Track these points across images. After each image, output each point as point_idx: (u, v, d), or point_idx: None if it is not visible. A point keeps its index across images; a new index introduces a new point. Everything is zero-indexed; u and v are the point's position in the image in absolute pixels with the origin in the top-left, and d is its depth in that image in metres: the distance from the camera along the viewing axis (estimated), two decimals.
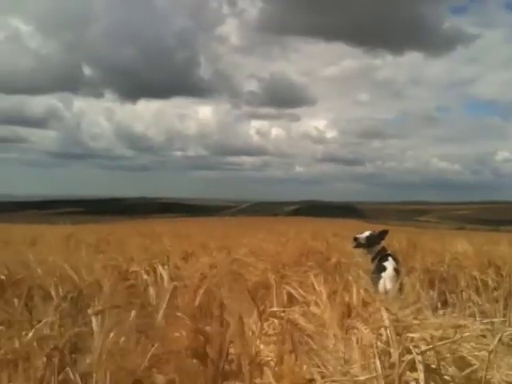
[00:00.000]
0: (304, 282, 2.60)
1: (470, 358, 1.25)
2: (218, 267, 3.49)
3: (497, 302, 3.80)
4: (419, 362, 1.18)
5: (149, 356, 1.43)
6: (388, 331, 1.28)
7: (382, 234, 4.58)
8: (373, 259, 4.35)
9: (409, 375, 1.20)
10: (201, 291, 2.67)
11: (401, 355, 1.21)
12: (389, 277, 3.87)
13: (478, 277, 4.11)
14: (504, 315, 3.61)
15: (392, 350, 1.24)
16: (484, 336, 1.32)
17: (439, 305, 3.90)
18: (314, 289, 2.23)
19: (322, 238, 8.36)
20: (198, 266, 3.54)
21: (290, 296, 2.52)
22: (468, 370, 1.24)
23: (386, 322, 1.30)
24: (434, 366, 1.23)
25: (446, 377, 1.24)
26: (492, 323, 1.38)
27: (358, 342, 1.35)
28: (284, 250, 5.76)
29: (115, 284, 3.03)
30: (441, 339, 1.26)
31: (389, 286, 3.75)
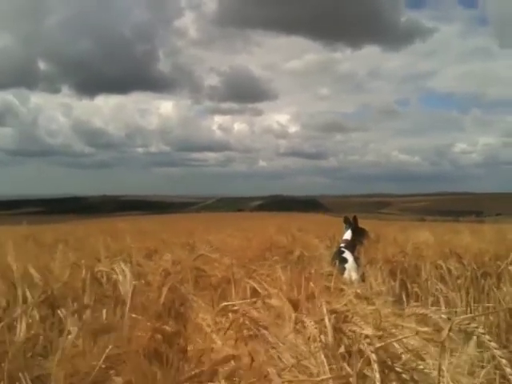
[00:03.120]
0: (270, 276, 2.58)
1: (421, 352, 1.25)
2: (182, 264, 3.43)
3: (460, 290, 3.86)
4: (374, 361, 1.15)
5: (105, 357, 1.38)
6: (328, 324, 1.28)
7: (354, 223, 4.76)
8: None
9: (366, 369, 1.18)
10: (165, 288, 2.61)
11: (355, 352, 1.20)
12: (352, 267, 3.92)
13: (443, 266, 4.17)
14: (467, 303, 3.69)
15: (330, 342, 1.24)
16: (438, 330, 1.29)
17: (403, 295, 3.94)
18: (281, 281, 2.22)
19: (287, 232, 8.38)
20: (161, 263, 3.47)
21: (254, 290, 2.49)
22: (420, 366, 1.23)
23: (326, 315, 1.30)
24: (389, 363, 1.22)
25: (403, 375, 1.23)
26: (455, 312, 1.37)
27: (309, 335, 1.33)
28: (249, 245, 5.74)
29: (83, 285, 2.92)
30: (391, 333, 1.25)
31: (354, 276, 3.79)
